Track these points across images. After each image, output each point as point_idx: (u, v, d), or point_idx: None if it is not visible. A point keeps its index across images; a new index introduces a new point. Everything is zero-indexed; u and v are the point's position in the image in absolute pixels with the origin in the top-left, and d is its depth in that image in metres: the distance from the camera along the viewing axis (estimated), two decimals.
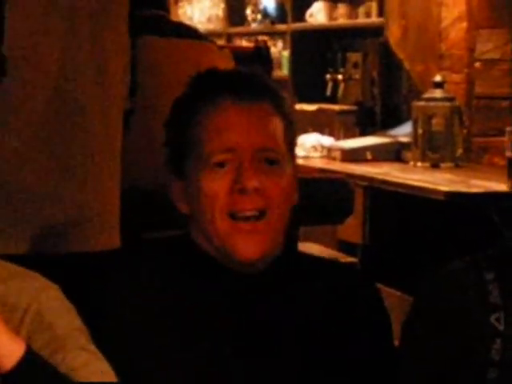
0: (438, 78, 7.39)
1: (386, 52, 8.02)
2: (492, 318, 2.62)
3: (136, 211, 4.54)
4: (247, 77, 2.72)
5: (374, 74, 8.25)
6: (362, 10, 8.41)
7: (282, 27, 9.69)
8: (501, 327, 2.62)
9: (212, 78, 2.69)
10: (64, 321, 2.52)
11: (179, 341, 2.59)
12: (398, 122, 7.84)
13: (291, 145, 2.68)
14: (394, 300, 4.44)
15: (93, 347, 2.51)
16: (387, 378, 2.63)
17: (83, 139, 3.63)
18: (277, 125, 2.62)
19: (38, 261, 2.73)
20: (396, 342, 2.87)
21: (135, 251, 3.04)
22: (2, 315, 2.40)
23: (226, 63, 5.20)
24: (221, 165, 2.55)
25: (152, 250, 2.84)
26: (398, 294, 4.62)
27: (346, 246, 6.75)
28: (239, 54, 6.19)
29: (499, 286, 2.64)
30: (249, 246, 2.54)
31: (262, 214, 2.54)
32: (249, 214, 2.54)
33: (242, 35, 10.29)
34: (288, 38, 9.55)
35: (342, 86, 8.73)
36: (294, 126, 2.75)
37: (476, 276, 2.66)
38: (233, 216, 2.54)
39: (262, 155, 2.56)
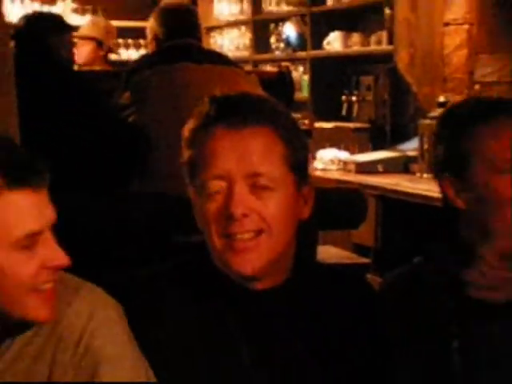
0: (441, 99, 7.40)
1: (396, 76, 8.00)
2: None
3: (172, 216, 4.60)
4: (242, 103, 2.56)
5: (385, 95, 8.23)
6: (373, 38, 8.39)
7: (302, 54, 9.65)
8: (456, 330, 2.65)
9: (209, 106, 2.55)
10: (111, 348, 2.43)
11: (206, 358, 2.51)
12: (405, 138, 7.82)
13: (296, 165, 2.52)
14: None
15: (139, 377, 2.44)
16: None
17: None
18: (273, 149, 2.48)
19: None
20: None
21: (164, 274, 2.97)
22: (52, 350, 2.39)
23: (252, 86, 5.25)
24: (217, 191, 2.45)
25: (176, 273, 2.68)
26: None
27: (360, 249, 6.75)
28: (264, 78, 6.24)
29: (453, 296, 2.69)
30: (244, 262, 2.45)
31: (257, 234, 2.45)
32: (240, 236, 2.44)
33: (266, 61, 10.25)
34: (307, 63, 9.52)
35: (356, 106, 8.69)
36: (305, 146, 2.62)
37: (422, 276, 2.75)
38: (228, 236, 2.45)
39: (254, 181, 2.44)
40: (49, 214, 2.23)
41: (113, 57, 10.59)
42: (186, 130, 2.59)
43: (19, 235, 2.17)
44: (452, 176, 2.64)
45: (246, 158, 2.44)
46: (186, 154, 2.56)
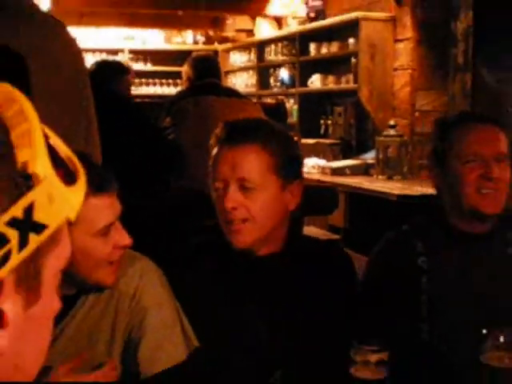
0: (391, 122, 7.36)
1: (359, 106, 7.94)
2: (419, 261, 2.63)
3: (199, 207, 4.62)
4: (242, 128, 2.57)
5: (351, 120, 8.18)
6: (343, 79, 8.34)
7: (292, 90, 9.51)
8: (425, 265, 2.62)
9: (220, 129, 2.55)
10: (156, 308, 2.43)
11: (227, 304, 2.52)
12: (366, 150, 7.75)
13: (281, 171, 2.49)
14: (362, 261, 4.48)
15: (174, 322, 2.45)
16: (355, 314, 2.58)
17: None
18: (258, 160, 2.48)
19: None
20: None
21: (197, 236, 2.95)
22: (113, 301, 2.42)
23: (257, 113, 5.28)
24: (218, 189, 2.48)
25: (208, 237, 2.70)
26: (364, 257, 4.65)
27: (333, 229, 6.74)
28: (266, 108, 6.27)
29: (422, 240, 2.66)
30: (236, 240, 2.47)
31: (243, 222, 2.46)
32: (232, 223, 2.46)
33: (267, 96, 10.17)
34: (296, 97, 9.40)
35: (330, 127, 8.62)
36: (293, 157, 2.60)
37: (406, 237, 2.69)
38: (226, 222, 2.48)
39: (242, 183, 2.44)
40: (118, 209, 2.28)
41: (157, 91, 10.53)
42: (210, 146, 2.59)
43: (99, 227, 2.21)
44: (438, 169, 2.64)
45: (237, 167, 2.44)
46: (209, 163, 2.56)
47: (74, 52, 3.85)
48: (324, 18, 9.02)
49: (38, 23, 3.72)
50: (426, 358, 2.58)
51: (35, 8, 3.82)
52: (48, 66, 3.59)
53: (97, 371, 2.21)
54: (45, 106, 3.55)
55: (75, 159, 0.87)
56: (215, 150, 2.52)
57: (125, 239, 2.31)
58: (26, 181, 0.78)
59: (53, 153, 0.82)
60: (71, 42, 3.89)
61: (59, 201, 0.80)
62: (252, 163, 2.47)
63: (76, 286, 2.31)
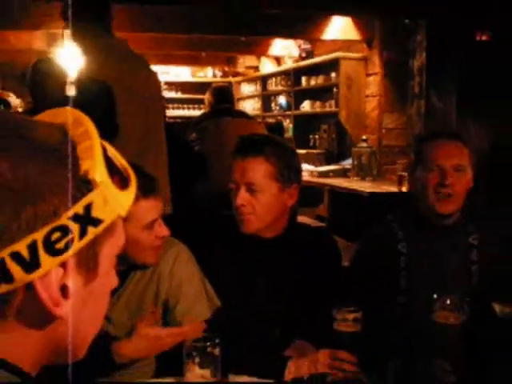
0: (364, 137, 7.30)
1: (339, 125, 7.89)
2: (399, 246, 2.60)
3: (218, 201, 4.61)
4: (251, 143, 2.55)
5: (333, 135, 8.15)
6: (327, 104, 8.28)
7: (288, 113, 9.51)
8: (404, 250, 2.60)
9: (237, 143, 2.55)
10: (187, 280, 2.45)
11: (237, 271, 2.54)
12: (344, 158, 7.73)
13: (280, 177, 2.49)
14: (343, 245, 4.44)
15: (201, 289, 2.47)
16: (338, 289, 2.52)
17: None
18: (261, 169, 2.47)
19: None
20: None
21: (218, 223, 2.95)
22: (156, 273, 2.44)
23: (262, 130, 5.28)
24: (233, 189, 2.50)
25: (226, 224, 2.64)
26: (345, 241, 4.61)
27: (320, 218, 6.72)
28: (268, 126, 6.27)
29: (401, 228, 2.63)
30: (244, 228, 2.48)
31: (249, 215, 2.46)
32: (242, 215, 2.47)
33: (269, 117, 10.17)
34: (292, 118, 9.40)
35: (318, 141, 8.59)
36: (291, 166, 2.56)
37: (388, 225, 2.66)
38: (238, 215, 2.48)
39: (249, 186, 2.45)
40: (160, 208, 2.31)
41: (185, 113, 10.51)
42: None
43: (147, 222, 2.24)
44: (412, 175, 2.62)
45: (245, 174, 2.46)
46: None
47: (153, 81, 3.86)
48: (312, 57, 8.97)
49: (129, 60, 3.73)
50: (399, 318, 2.58)
51: (129, 49, 3.84)
52: (129, 91, 3.60)
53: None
54: (127, 121, 3.55)
55: (129, 169, 0.88)
56: (232, 158, 2.53)
57: (164, 231, 2.33)
58: (86, 185, 0.78)
59: (109, 163, 0.83)
60: (152, 74, 3.91)
61: (112, 201, 0.80)
62: (256, 171, 2.46)
63: (127, 264, 2.32)
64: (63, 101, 3.68)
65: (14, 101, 6.05)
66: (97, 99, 3.48)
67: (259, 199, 2.47)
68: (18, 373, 0.79)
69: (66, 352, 0.83)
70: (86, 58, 3.63)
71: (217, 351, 1.86)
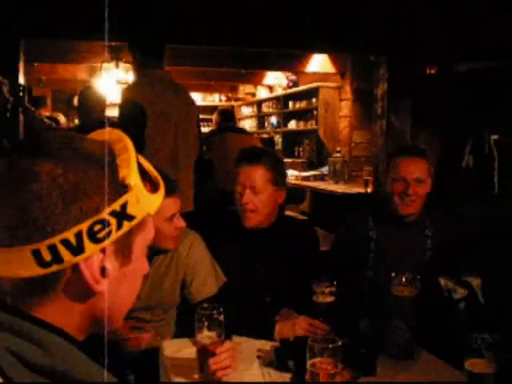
0: (338, 149, 7.34)
1: (319, 140, 7.92)
2: (370, 233, 2.63)
3: (224, 199, 4.59)
4: (253, 154, 2.56)
5: (314, 148, 8.17)
6: (309, 123, 8.28)
7: (278, 130, 9.50)
8: (373, 236, 2.62)
9: (239, 153, 2.58)
10: (200, 261, 2.45)
11: (241, 257, 2.53)
12: (322, 165, 7.76)
13: (275, 182, 2.51)
14: (322, 234, 4.44)
15: (211, 268, 2.46)
16: (318, 266, 2.53)
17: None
18: (262, 175, 2.48)
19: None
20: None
21: (225, 216, 2.95)
22: (176, 257, 2.43)
23: (257, 143, 5.28)
24: (238, 189, 2.50)
25: (231, 217, 2.63)
26: (324, 231, 4.61)
27: (303, 213, 6.74)
28: (262, 140, 6.26)
29: (373, 220, 2.65)
30: (247, 223, 2.49)
31: (252, 212, 2.47)
32: (246, 212, 2.47)
33: (263, 133, 10.18)
34: (281, 134, 9.40)
35: (301, 152, 8.62)
36: (282, 173, 2.62)
37: (364, 217, 2.67)
38: (242, 211, 2.49)
39: (252, 189, 2.46)
40: (179, 204, 2.31)
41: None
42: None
43: (168, 216, 2.24)
44: (385, 183, 2.63)
45: (249, 179, 2.48)
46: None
47: (189, 103, 3.88)
48: (297, 86, 8.96)
49: (173, 89, 3.74)
50: (368, 290, 2.60)
51: (170, 77, 3.84)
52: (163, 113, 3.62)
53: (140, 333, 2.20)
54: (157, 136, 3.55)
55: (158, 177, 0.89)
56: (238, 166, 2.53)
57: (182, 223, 2.33)
58: (123, 188, 0.80)
59: (142, 171, 0.84)
60: (189, 97, 3.91)
61: (143, 202, 0.81)
62: (258, 177, 2.49)
63: (152, 250, 2.31)
64: (101, 119, 3.70)
65: (62, 119, 6.07)
66: (133, 118, 3.49)
67: (260, 199, 2.48)
68: (64, 335, 0.79)
69: (104, 322, 0.84)
70: (139, 85, 3.67)
71: (221, 317, 1.87)
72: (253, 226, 2.51)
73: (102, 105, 4.55)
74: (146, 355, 2.26)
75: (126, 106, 3.56)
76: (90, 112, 4.37)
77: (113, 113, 5.53)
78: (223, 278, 2.49)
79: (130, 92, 3.67)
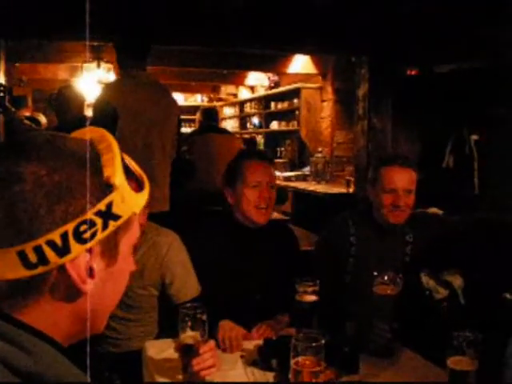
0: (319, 149, 7.38)
1: (300, 140, 7.95)
2: (351, 239, 2.61)
3: (205, 199, 4.60)
4: (261, 153, 2.63)
5: (295, 148, 8.22)
6: (291, 124, 8.30)
7: (260, 131, 9.53)
8: (354, 242, 2.60)
9: (247, 151, 2.62)
10: (179, 262, 2.43)
11: (225, 256, 2.50)
12: (304, 166, 7.80)
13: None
14: (304, 233, 4.44)
15: (191, 270, 2.43)
16: (301, 267, 2.53)
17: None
18: (272, 172, 2.53)
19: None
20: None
21: (206, 216, 2.93)
22: (153, 257, 2.40)
23: (240, 145, 5.27)
24: (254, 187, 2.47)
25: (212, 217, 2.68)
26: (305, 231, 4.61)
27: (285, 213, 6.75)
28: (244, 140, 6.27)
29: (354, 225, 2.63)
30: (262, 218, 2.48)
31: (267, 207, 2.47)
32: (263, 206, 2.46)
33: (245, 133, 10.19)
34: (263, 134, 9.43)
35: (284, 153, 8.64)
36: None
37: (344, 221, 2.65)
38: (257, 207, 2.47)
39: (270, 184, 2.48)
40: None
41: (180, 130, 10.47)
42: (234, 161, 2.60)
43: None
44: (372, 190, 2.60)
45: (267, 174, 2.51)
46: (235, 169, 2.54)
47: (169, 104, 3.84)
48: (279, 87, 9.00)
49: (149, 90, 3.72)
50: (347, 292, 2.59)
51: (154, 80, 3.83)
52: (134, 114, 3.61)
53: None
54: (128, 135, 3.54)
55: (143, 175, 0.88)
56: (246, 162, 2.53)
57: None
58: (108, 187, 0.79)
59: (127, 170, 0.84)
60: (170, 98, 3.89)
61: (128, 201, 0.81)
62: (273, 174, 2.56)
63: None
64: (79, 118, 3.67)
65: (43, 119, 6.02)
66: (105, 118, 3.50)
67: (274, 195, 2.52)
68: (50, 341, 0.78)
69: (88, 324, 0.83)
70: (119, 86, 3.66)
71: (204, 317, 1.87)
72: (264, 222, 2.52)
73: (80, 105, 4.52)
74: (130, 356, 2.25)
75: (98, 105, 3.62)
76: (68, 111, 4.34)
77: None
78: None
79: (105, 92, 3.71)
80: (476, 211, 4.08)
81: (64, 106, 4.40)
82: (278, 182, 7.17)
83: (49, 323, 0.79)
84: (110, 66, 6.50)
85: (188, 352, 1.83)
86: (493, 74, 4.48)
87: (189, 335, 1.85)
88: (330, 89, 7.47)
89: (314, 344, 1.53)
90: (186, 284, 2.41)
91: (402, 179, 2.52)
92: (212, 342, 1.87)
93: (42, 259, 0.74)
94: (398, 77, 5.33)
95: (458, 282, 2.24)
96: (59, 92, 4.52)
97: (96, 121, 3.51)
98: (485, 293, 2.15)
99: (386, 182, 2.53)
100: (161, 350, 2.09)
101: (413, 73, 5.52)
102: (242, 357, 2.06)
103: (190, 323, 1.86)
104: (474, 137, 4.90)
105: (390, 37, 5.06)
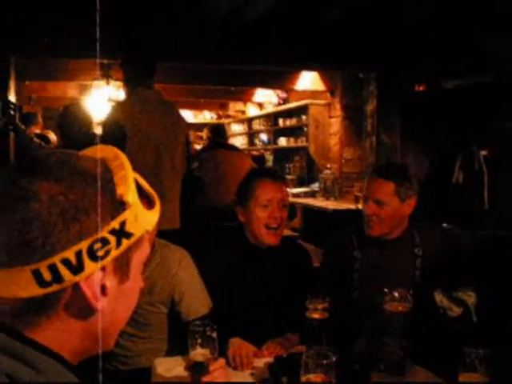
0: (328, 166, 7.36)
1: (309, 156, 7.94)
2: (354, 253, 2.59)
3: (214, 215, 4.60)
4: (274, 171, 2.58)
5: (304, 165, 8.20)
6: (299, 140, 8.31)
7: (269, 147, 9.56)
8: (358, 256, 2.59)
9: (259, 170, 2.59)
10: (189, 280, 2.41)
11: (235, 274, 2.49)
12: (313, 182, 7.78)
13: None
14: (313, 249, 4.42)
15: (201, 287, 2.41)
16: (312, 284, 2.49)
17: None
18: (284, 189, 2.49)
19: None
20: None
21: (215, 232, 2.91)
22: (163, 274, 2.38)
23: (249, 162, 5.27)
24: (265, 206, 2.45)
25: (222, 233, 2.67)
26: (314, 247, 4.58)
27: (294, 229, 6.74)
28: (253, 157, 6.27)
29: (357, 239, 2.61)
30: (272, 239, 2.46)
31: (278, 228, 2.45)
32: (274, 226, 2.44)
33: (254, 150, 10.19)
34: (271, 151, 9.46)
35: (292, 169, 8.61)
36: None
37: (348, 236, 2.63)
38: (267, 227, 2.45)
39: (282, 203, 2.46)
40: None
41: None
42: (246, 179, 2.58)
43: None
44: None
45: (278, 193, 2.48)
46: (247, 188, 2.52)
47: (177, 122, 3.84)
48: (287, 103, 9.02)
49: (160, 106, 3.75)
50: (354, 308, 2.56)
51: (162, 97, 3.84)
52: (144, 133, 3.63)
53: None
54: (138, 155, 3.56)
55: (154, 193, 0.89)
56: (258, 181, 2.51)
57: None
58: (121, 206, 0.80)
59: (139, 188, 0.84)
60: (178, 116, 3.89)
61: (141, 219, 0.81)
62: (284, 190, 2.51)
63: None
64: (87, 135, 3.66)
65: (53, 137, 6.05)
66: (114, 136, 3.51)
67: (286, 214, 2.48)
68: (59, 359, 0.78)
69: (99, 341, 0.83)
70: (125, 104, 3.68)
71: (214, 334, 1.86)
72: (275, 244, 2.50)
73: (86, 122, 4.36)
74: (139, 373, 2.24)
75: (107, 123, 3.65)
76: (72, 129, 4.25)
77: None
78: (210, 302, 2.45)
79: (114, 110, 3.73)
80: (486, 226, 4.06)
81: (69, 124, 4.37)
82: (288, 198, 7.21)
83: (59, 340, 0.79)
84: (119, 83, 6.53)
85: (198, 370, 1.82)
86: (500, 89, 4.48)
87: (199, 352, 1.84)
88: (338, 105, 7.48)
89: (324, 361, 1.52)
90: (196, 301, 2.39)
91: (374, 189, 2.52)
92: (222, 360, 1.86)
93: (57, 277, 0.74)
94: (406, 93, 5.34)
95: (471, 299, 2.22)
96: (65, 109, 4.50)
97: (105, 139, 3.52)
98: (496, 309, 2.14)
99: (364, 190, 2.55)
100: (170, 367, 2.07)
101: (421, 88, 5.53)
102: (252, 374, 2.04)
103: (199, 340, 1.84)
104: (483, 152, 4.89)
105: (397, 52, 5.07)
